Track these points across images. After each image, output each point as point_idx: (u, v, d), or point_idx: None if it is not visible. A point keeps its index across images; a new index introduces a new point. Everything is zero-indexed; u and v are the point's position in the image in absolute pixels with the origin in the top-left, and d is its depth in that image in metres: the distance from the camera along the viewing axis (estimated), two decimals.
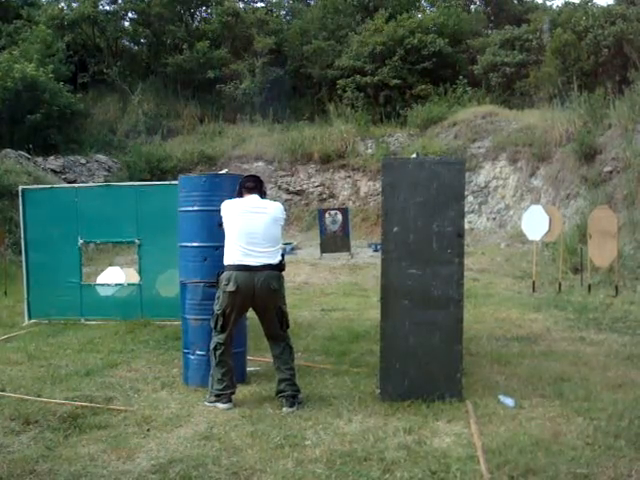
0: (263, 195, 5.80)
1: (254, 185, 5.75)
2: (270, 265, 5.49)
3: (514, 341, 7.83)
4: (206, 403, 5.63)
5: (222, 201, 5.81)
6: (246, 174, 6.05)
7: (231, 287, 5.39)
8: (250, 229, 5.48)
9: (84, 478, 4.14)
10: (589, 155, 15.55)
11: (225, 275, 5.47)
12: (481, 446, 4.51)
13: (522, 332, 8.34)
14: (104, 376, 6.50)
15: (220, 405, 5.54)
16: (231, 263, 5.46)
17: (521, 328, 8.62)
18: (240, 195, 5.74)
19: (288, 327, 5.75)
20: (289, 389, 5.54)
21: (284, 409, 5.42)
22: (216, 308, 5.55)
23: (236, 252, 5.46)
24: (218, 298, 5.54)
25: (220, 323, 5.52)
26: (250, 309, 5.75)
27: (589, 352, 7.31)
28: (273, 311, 5.57)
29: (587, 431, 4.83)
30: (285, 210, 5.99)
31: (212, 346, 5.62)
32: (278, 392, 5.59)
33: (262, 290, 5.43)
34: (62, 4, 27.32)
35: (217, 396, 5.58)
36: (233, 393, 5.66)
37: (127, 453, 4.54)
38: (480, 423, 5.00)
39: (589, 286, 11.05)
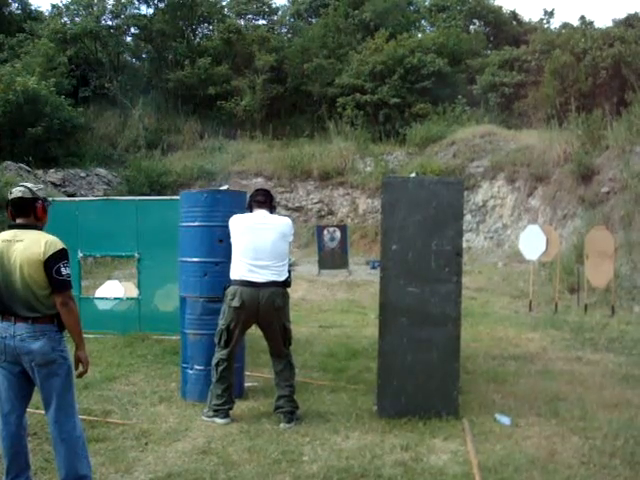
0: (272, 209, 5.84)
1: (264, 199, 5.79)
2: (275, 282, 5.52)
3: (511, 360, 7.86)
4: (204, 417, 5.65)
5: (223, 217, 5.89)
6: (257, 188, 6.09)
7: (236, 302, 5.43)
8: (257, 245, 5.51)
9: None
10: (586, 176, 15.63)
11: (231, 290, 5.50)
12: (477, 464, 4.53)
13: (519, 351, 8.38)
14: (102, 389, 6.51)
15: (218, 420, 5.56)
16: (237, 278, 5.50)
17: (518, 347, 8.65)
18: (250, 209, 5.79)
19: (290, 344, 5.78)
20: (287, 405, 5.57)
21: (282, 425, 5.45)
22: (221, 322, 5.58)
23: (242, 267, 5.49)
24: (224, 312, 5.57)
25: (224, 338, 5.55)
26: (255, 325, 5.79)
27: (585, 372, 7.34)
28: (277, 328, 5.60)
29: (583, 450, 4.87)
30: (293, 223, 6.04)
31: (214, 362, 5.64)
32: (276, 408, 5.62)
33: (266, 307, 5.46)
34: (65, 18, 27.52)
35: (215, 411, 5.60)
36: (231, 409, 5.68)
37: (125, 467, 4.56)
38: (476, 441, 5.03)
39: (585, 306, 11.09)
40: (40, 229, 4.04)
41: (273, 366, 5.79)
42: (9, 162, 18.29)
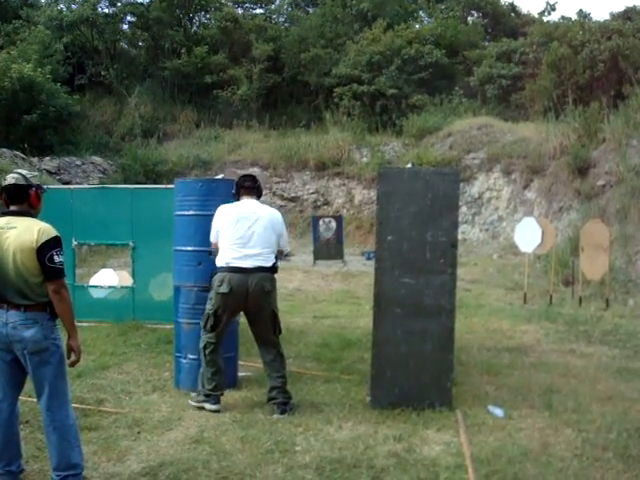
0: (259, 195, 5.84)
1: (252, 184, 5.80)
2: (263, 267, 5.53)
3: (504, 352, 7.86)
4: (192, 402, 5.64)
5: (218, 206, 5.86)
6: (244, 174, 6.06)
7: (224, 288, 5.43)
8: (249, 234, 5.52)
9: None
10: (583, 169, 15.63)
11: (218, 276, 5.50)
12: (470, 455, 4.54)
13: (513, 343, 8.38)
14: (95, 378, 6.50)
15: (208, 405, 5.55)
16: (224, 265, 5.50)
17: (512, 339, 8.65)
18: (238, 194, 5.78)
19: (280, 332, 5.77)
20: (280, 396, 5.56)
21: (275, 415, 5.44)
22: (208, 307, 5.58)
23: (231, 254, 5.49)
24: (211, 299, 5.56)
25: (211, 323, 5.55)
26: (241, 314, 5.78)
27: (579, 364, 7.35)
28: (266, 314, 5.60)
29: (575, 442, 4.87)
30: (283, 216, 6.02)
31: (202, 345, 5.64)
32: (269, 399, 5.61)
33: (255, 292, 5.47)
34: (61, 5, 27.36)
35: (206, 396, 5.59)
36: (222, 394, 5.67)
37: (117, 455, 4.56)
38: (469, 432, 5.03)
39: (580, 299, 11.10)
40: (34, 216, 4.02)
41: (262, 356, 5.77)
42: (4, 149, 18.20)
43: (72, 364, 4.07)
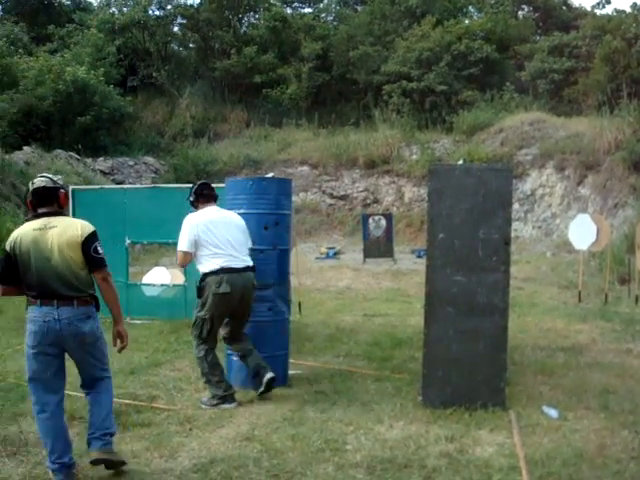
0: (216, 200, 5.99)
1: (210, 192, 5.95)
2: (250, 267, 5.75)
3: (559, 351, 7.72)
4: (205, 406, 5.63)
5: (268, 204, 6.00)
6: (200, 182, 6.16)
7: (225, 288, 5.53)
8: (231, 237, 5.71)
9: (127, 475, 4.22)
10: (638, 164, 15.28)
11: (214, 279, 5.57)
12: (524, 457, 4.46)
13: (567, 343, 8.22)
14: (148, 375, 6.61)
15: (227, 405, 5.61)
16: (218, 268, 5.59)
17: (566, 339, 8.49)
18: (197, 202, 5.90)
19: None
20: (264, 364, 5.83)
21: (267, 375, 5.71)
22: (201, 314, 5.65)
23: (221, 258, 5.61)
24: (204, 304, 5.63)
25: (207, 328, 5.65)
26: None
27: (636, 364, 7.17)
28: (250, 311, 5.85)
29: (632, 444, 4.75)
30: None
31: (202, 354, 5.71)
32: (256, 374, 5.83)
33: (249, 290, 5.71)
34: (113, 9, 27.93)
35: (222, 398, 5.64)
36: (235, 392, 5.76)
37: (169, 452, 4.61)
38: (523, 433, 4.95)
39: (636, 297, 10.85)
40: (66, 216, 4.23)
41: (236, 348, 5.97)
42: (59, 150, 18.65)
43: (120, 350, 4.34)
